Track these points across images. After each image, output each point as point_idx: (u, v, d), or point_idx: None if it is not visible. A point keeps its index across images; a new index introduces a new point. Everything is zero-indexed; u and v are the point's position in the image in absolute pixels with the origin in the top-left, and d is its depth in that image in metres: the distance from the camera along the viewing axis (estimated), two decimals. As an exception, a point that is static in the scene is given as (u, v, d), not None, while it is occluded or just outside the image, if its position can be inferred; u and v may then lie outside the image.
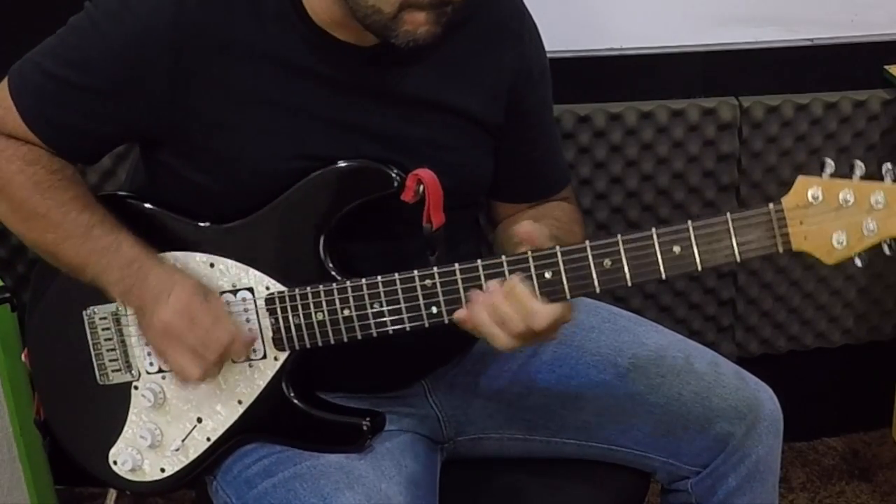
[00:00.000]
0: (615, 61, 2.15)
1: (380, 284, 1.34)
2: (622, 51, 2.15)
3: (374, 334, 1.35)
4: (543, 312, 1.26)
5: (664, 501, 1.63)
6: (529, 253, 1.29)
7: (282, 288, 1.39)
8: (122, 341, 1.45)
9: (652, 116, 2.10)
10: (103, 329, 1.46)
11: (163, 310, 1.34)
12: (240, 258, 1.40)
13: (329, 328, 1.37)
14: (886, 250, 1.22)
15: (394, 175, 1.36)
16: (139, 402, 1.45)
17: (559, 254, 1.28)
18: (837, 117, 2.14)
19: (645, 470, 1.58)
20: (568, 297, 1.28)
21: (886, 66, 2.15)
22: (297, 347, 1.39)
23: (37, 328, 1.53)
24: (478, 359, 1.58)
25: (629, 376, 1.54)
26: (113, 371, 1.47)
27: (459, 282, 1.31)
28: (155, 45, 1.33)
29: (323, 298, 1.36)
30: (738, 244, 1.24)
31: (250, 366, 1.42)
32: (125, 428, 1.47)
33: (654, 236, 1.26)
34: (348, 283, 1.35)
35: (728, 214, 1.24)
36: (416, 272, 1.33)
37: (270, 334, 1.40)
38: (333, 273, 1.37)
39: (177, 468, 1.46)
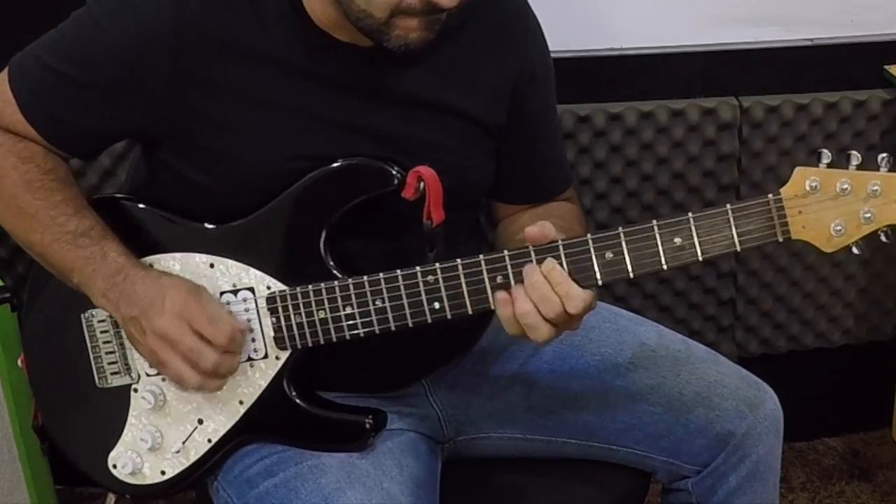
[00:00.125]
0: (615, 61, 2.15)
1: (382, 281, 1.34)
2: (622, 51, 2.15)
3: (377, 331, 1.35)
4: (581, 295, 1.27)
5: (664, 501, 1.63)
6: (531, 247, 1.29)
7: (283, 287, 1.39)
8: (121, 344, 1.45)
9: (652, 116, 2.10)
10: (102, 332, 1.46)
11: (159, 316, 1.34)
12: (240, 258, 1.40)
13: (331, 326, 1.37)
14: (883, 238, 1.24)
15: (394, 172, 1.36)
16: (139, 404, 1.45)
17: (561, 246, 1.28)
18: (837, 117, 2.14)
19: (645, 469, 1.58)
20: None
21: (886, 66, 2.15)
22: (299, 346, 1.39)
23: (34, 332, 1.53)
24: (478, 358, 1.58)
25: (630, 376, 1.54)
26: (112, 374, 1.46)
27: (462, 277, 1.31)
28: (155, 44, 1.33)
29: (325, 297, 1.36)
30: (738, 234, 1.25)
31: (251, 366, 1.41)
32: (125, 431, 1.46)
33: (655, 228, 1.27)
34: (350, 280, 1.35)
35: (728, 205, 1.26)
36: (418, 268, 1.33)
37: (272, 333, 1.40)
38: (335, 271, 1.37)
39: (177, 470, 1.46)
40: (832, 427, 2.49)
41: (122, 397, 1.46)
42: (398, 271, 1.33)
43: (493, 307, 1.31)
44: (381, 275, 1.34)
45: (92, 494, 2.30)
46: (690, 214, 1.27)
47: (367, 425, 1.42)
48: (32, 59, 1.40)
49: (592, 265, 1.28)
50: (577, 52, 2.10)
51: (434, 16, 1.28)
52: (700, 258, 1.27)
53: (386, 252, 1.41)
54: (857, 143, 2.14)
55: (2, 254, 2.19)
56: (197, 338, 1.34)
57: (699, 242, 1.26)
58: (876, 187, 1.22)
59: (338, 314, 1.36)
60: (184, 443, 1.44)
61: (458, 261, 1.31)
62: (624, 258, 1.28)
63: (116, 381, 1.46)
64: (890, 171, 1.22)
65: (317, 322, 1.37)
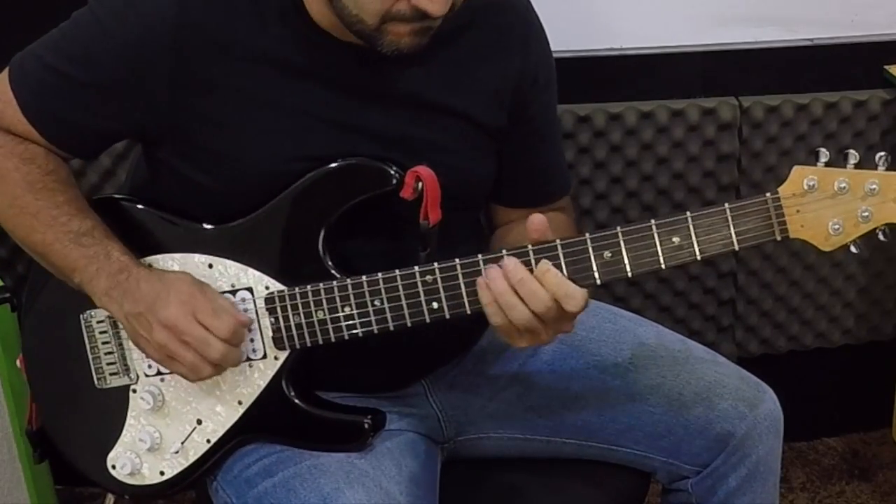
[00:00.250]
0: (615, 61, 2.15)
1: (380, 281, 1.34)
2: (622, 51, 2.15)
3: (375, 331, 1.35)
4: (579, 295, 1.26)
5: (664, 501, 1.63)
6: (529, 246, 1.29)
7: (281, 287, 1.39)
8: (120, 344, 1.45)
9: (652, 116, 2.10)
10: (101, 332, 1.46)
11: (165, 307, 1.34)
12: (239, 258, 1.40)
13: (330, 326, 1.36)
14: (881, 236, 1.24)
15: (392, 172, 1.36)
16: (137, 405, 1.45)
17: (559, 246, 1.28)
18: (837, 117, 2.14)
19: (645, 470, 1.58)
20: None
21: (886, 66, 2.15)
22: (298, 346, 1.39)
23: (33, 333, 1.53)
24: (478, 359, 1.58)
25: (629, 376, 1.54)
26: (111, 374, 1.46)
27: (460, 277, 1.31)
28: (157, 44, 1.33)
29: (323, 297, 1.36)
30: (736, 233, 1.26)
31: (250, 366, 1.41)
32: (123, 432, 1.46)
33: (653, 227, 1.27)
34: (348, 280, 1.35)
35: (726, 204, 1.26)
36: (416, 268, 1.33)
37: (270, 334, 1.40)
38: (333, 271, 1.37)
39: (177, 471, 1.46)
40: (832, 427, 2.49)
41: (120, 398, 1.46)
42: (396, 271, 1.33)
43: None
44: (379, 275, 1.34)
45: (92, 494, 2.30)
46: (688, 214, 1.27)
47: (366, 425, 1.42)
48: (33, 59, 1.40)
49: (591, 265, 1.28)
50: (577, 52, 2.10)
51: (425, 23, 1.28)
52: (698, 257, 1.27)
53: (385, 252, 1.41)
54: (858, 144, 2.14)
55: (2, 254, 2.19)
56: (202, 328, 1.34)
57: (697, 242, 1.27)
58: (874, 186, 1.22)
59: (336, 314, 1.36)
60: (182, 443, 1.44)
61: (457, 261, 1.31)
62: (622, 258, 1.28)
63: (115, 382, 1.46)
64: (888, 169, 1.22)
65: (315, 322, 1.37)
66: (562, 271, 1.28)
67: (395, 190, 1.35)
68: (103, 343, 1.45)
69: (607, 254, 1.28)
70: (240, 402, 1.43)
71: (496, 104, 1.47)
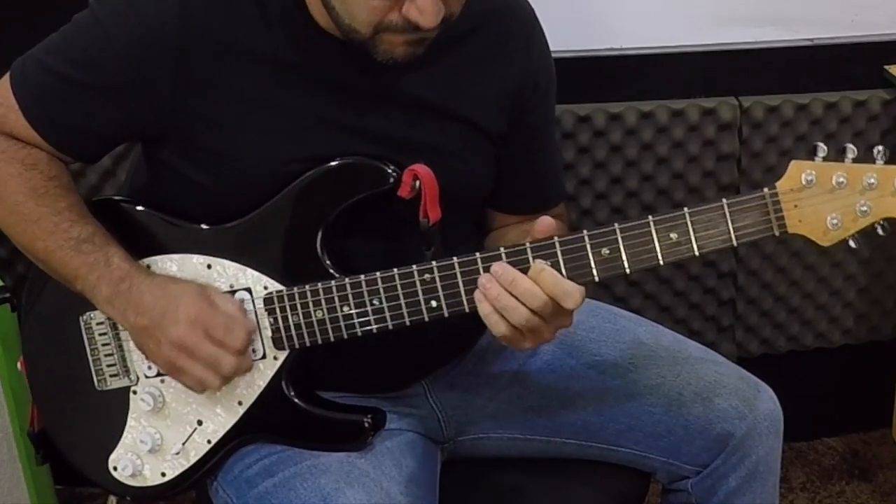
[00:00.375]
0: (615, 61, 2.15)
1: (379, 280, 1.34)
2: (622, 51, 2.15)
3: (374, 330, 1.35)
4: (576, 291, 1.26)
5: (664, 501, 1.63)
6: (527, 244, 1.29)
7: (280, 287, 1.39)
8: (120, 346, 1.45)
9: (652, 116, 2.10)
10: (100, 334, 1.46)
11: (174, 325, 1.34)
12: (237, 258, 1.40)
13: (329, 326, 1.36)
14: (880, 231, 1.24)
15: (390, 171, 1.36)
16: (138, 406, 1.45)
17: (557, 244, 1.28)
18: (837, 117, 2.14)
19: (645, 470, 1.58)
20: None
21: (886, 66, 2.15)
22: (297, 346, 1.39)
23: (33, 335, 1.53)
24: (478, 359, 1.58)
25: (629, 376, 1.54)
26: (111, 376, 1.46)
27: (458, 275, 1.31)
28: (159, 45, 1.33)
29: (322, 297, 1.36)
30: (734, 229, 1.25)
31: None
32: (124, 433, 1.46)
33: (651, 224, 1.27)
34: (347, 280, 1.35)
35: (724, 200, 1.25)
36: (414, 267, 1.33)
37: (269, 334, 1.40)
38: (331, 271, 1.37)
39: (178, 472, 1.46)
40: (832, 427, 2.49)
41: (121, 399, 1.46)
42: (395, 270, 1.33)
43: None
44: (377, 274, 1.34)
45: (92, 494, 2.30)
46: (686, 210, 1.26)
47: (366, 424, 1.42)
48: (34, 63, 1.40)
49: (589, 262, 1.28)
50: (577, 52, 2.10)
51: (418, 34, 1.28)
52: (696, 253, 1.27)
53: (383, 252, 1.41)
54: (858, 143, 2.11)
55: (2, 254, 2.19)
56: (215, 345, 1.34)
57: (695, 238, 1.26)
58: (872, 180, 1.22)
59: (335, 314, 1.36)
60: (183, 444, 1.44)
61: (455, 259, 1.31)
62: (620, 255, 1.27)
63: (115, 384, 1.46)
64: (886, 163, 1.22)
65: (314, 322, 1.37)
66: (560, 269, 1.28)
67: (393, 189, 1.35)
68: (103, 345, 1.45)
69: (605, 251, 1.28)
70: (240, 403, 1.43)
71: (497, 109, 1.47)
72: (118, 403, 1.46)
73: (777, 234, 1.24)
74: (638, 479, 1.59)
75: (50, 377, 1.51)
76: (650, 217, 1.27)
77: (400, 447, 1.47)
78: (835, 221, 1.23)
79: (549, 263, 1.28)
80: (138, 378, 1.45)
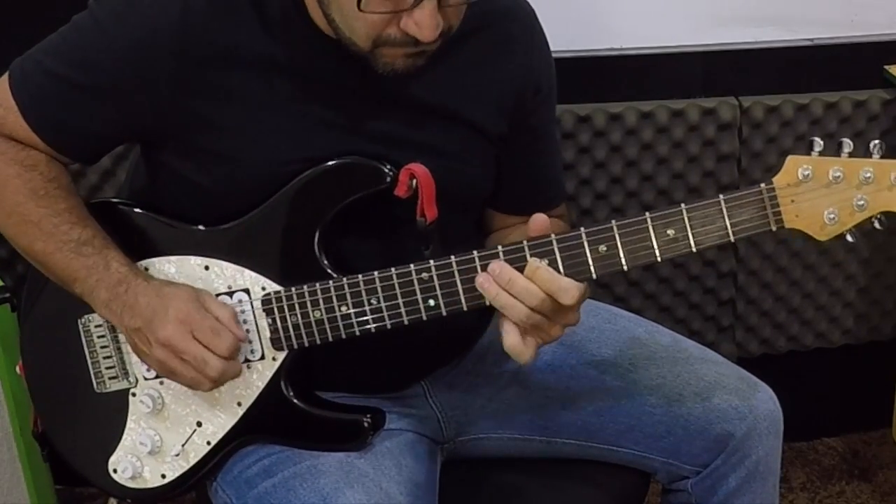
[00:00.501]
0: (615, 61, 2.15)
1: (376, 280, 1.34)
2: (622, 51, 2.15)
3: (372, 330, 1.35)
4: (573, 287, 1.26)
5: (664, 501, 1.63)
6: (525, 242, 1.29)
7: (278, 287, 1.39)
8: (119, 348, 1.45)
9: (652, 116, 2.10)
10: (99, 337, 1.46)
11: (162, 325, 1.34)
12: (235, 259, 1.40)
13: (327, 326, 1.36)
14: (877, 224, 1.24)
15: (386, 170, 1.35)
16: (137, 408, 1.45)
17: (554, 241, 1.28)
18: (837, 117, 2.14)
19: (645, 470, 1.58)
20: None
21: (886, 66, 2.15)
22: (296, 347, 1.39)
23: (31, 339, 1.53)
24: (478, 359, 1.58)
25: (629, 377, 1.54)
26: (110, 378, 1.46)
27: (456, 274, 1.31)
28: (159, 47, 1.33)
29: (320, 297, 1.36)
30: (731, 224, 1.25)
31: (249, 367, 1.41)
32: (124, 435, 1.46)
33: (648, 220, 1.27)
34: (345, 280, 1.35)
35: (720, 196, 1.26)
36: (412, 266, 1.33)
37: (268, 334, 1.40)
38: (329, 271, 1.37)
39: (178, 473, 1.46)
40: (832, 427, 2.49)
41: (120, 402, 1.46)
42: (392, 269, 1.33)
43: (488, 303, 1.30)
44: (375, 273, 1.34)
45: (92, 494, 2.30)
46: (683, 206, 1.26)
47: (366, 424, 1.42)
48: (33, 64, 1.40)
49: (587, 259, 1.28)
50: (577, 52, 2.10)
51: (418, 47, 1.28)
52: (694, 249, 1.27)
53: (381, 252, 1.41)
54: (858, 144, 2.14)
55: (2, 254, 2.19)
56: (201, 346, 1.34)
57: (692, 234, 1.26)
58: (868, 174, 1.21)
59: (333, 314, 1.36)
60: (183, 446, 1.44)
61: (453, 258, 1.31)
62: (618, 251, 1.27)
63: (114, 386, 1.46)
64: (882, 157, 1.22)
65: (312, 322, 1.37)
66: (558, 266, 1.28)
67: (390, 188, 1.35)
68: (102, 347, 1.45)
69: (602, 248, 1.28)
70: (239, 404, 1.43)
71: (498, 111, 1.47)
72: (117, 406, 1.46)
73: (774, 228, 1.24)
74: (638, 479, 1.59)
75: (49, 380, 1.51)
76: (647, 213, 1.27)
77: (400, 447, 1.47)
78: (832, 216, 1.23)
79: (546, 261, 1.28)
80: (137, 380, 1.45)
